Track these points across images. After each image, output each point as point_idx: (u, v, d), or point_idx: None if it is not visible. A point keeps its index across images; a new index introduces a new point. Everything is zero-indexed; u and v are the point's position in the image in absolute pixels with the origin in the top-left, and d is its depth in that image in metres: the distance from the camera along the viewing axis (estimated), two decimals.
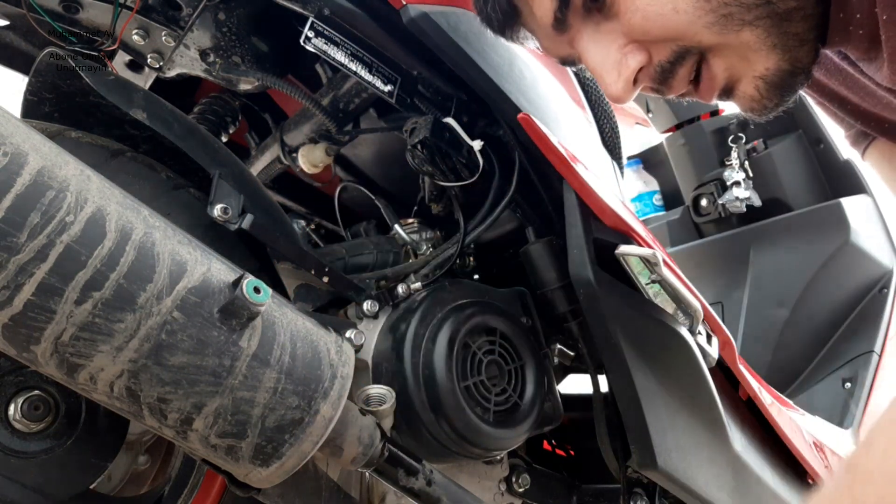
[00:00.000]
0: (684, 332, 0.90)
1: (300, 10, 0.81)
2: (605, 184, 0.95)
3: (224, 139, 1.13)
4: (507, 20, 0.68)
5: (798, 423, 1.17)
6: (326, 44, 0.81)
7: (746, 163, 2.13)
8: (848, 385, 1.72)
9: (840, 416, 1.62)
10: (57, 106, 0.75)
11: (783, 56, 0.59)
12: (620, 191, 1.34)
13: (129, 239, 0.52)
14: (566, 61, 0.71)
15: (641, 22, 0.59)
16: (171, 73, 0.95)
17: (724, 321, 2.06)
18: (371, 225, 1.22)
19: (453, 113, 0.92)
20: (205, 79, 0.96)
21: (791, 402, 1.37)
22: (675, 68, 0.62)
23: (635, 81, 0.64)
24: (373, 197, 1.14)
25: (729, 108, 2.33)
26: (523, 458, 1.07)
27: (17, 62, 1.00)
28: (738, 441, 1.00)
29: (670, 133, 2.49)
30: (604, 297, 0.81)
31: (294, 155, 1.05)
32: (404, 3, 0.77)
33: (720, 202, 2.15)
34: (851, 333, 1.81)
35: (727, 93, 0.64)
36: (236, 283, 0.55)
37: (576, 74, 1.22)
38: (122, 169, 0.74)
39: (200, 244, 0.59)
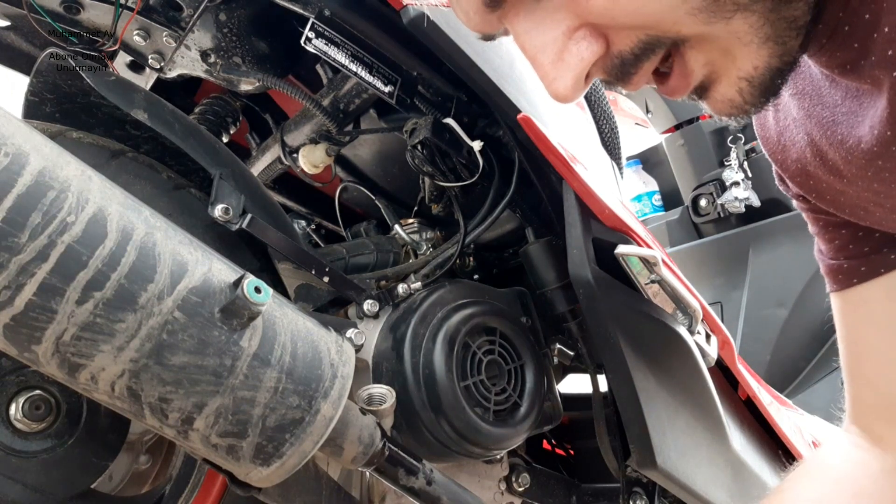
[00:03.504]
0: (683, 331, 0.90)
1: (301, 11, 0.82)
2: (604, 184, 0.95)
3: (225, 140, 1.13)
4: None
5: (797, 423, 1.18)
6: (327, 45, 0.81)
7: (745, 163, 2.13)
8: None
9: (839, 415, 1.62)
10: (58, 106, 0.75)
11: (775, 51, 0.47)
12: (620, 191, 1.34)
13: (131, 239, 0.52)
14: (488, 38, 0.56)
15: (606, 5, 0.45)
16: (172, 74, 0.96)
17: (723, 321, 2.06)
18: (371, 225, 1.23)
19: (453, 113, 0.93)
20: (205, 79, 0.96)
21: (790, 401, 1.37)
22: (640, 62, 0.48)
23: (587, 76, 0.50)
24: (373, 197, 1.14)
25: None
26: (523, 457, 1.07)
27: (19, 62, 1.00)
28: (737, 440, 1.01)
29: (669, 133, 2.49)
30: (603, 296, 0.81)
31: (295, 155, 1.06)
32: (405, 3, 0.77)
33: (719, 202, 2.16)
34: None
35: (700, 92, 0.51)
36: (237, 283, 0.56)
37: None
38: (124, 169, 0.74)
39: (201, 244, 0.60)
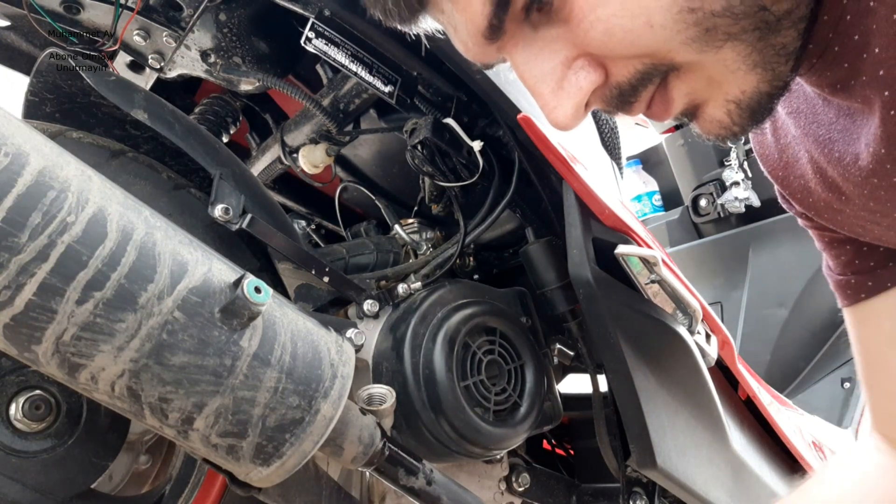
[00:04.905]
0: (683, 331, 0.90)
1: (301, 11, 0.82)
2: (604, 184, 0.95)
3: (225, 139, 1.13)
4: (412, 13, 0.53)
5: (797, 423, 1.18)
6: (327, 45, 0.81)
7: (745, 163, 2.13)
8: (847, 385, 1.72)
9: (839, 415, 1.62)
10: (58, 106, 0.75)
11: (764, 76, 0.48)
12: (620, 191, 1.34)
13: (131, 239, 0.52)
14: (487, 67, 0.57)
15: (602, 37, 0.46)
16: (172, 74, 0.96)
17: (723, 321, 2.06)
18: (371, 225, 1.23)
19: (453, 113, 0.93)
20: (205, 79, 0.96)
21: (790, 401, 1.38)
22: (638, 92, 0.50)
23: (586, 105, 0.50)
24: (373, 197, 1.14)
25: None
26: (523, 457, 1.07)
27: (19, 62, 1.00)
28: (737, 440, 1.01)
29: (669, 133, 2.49)
30: (603, 296, 0.81)
31: (295, 155, 1.06)
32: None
33: (719, 202, 2.16)
34: None
35: (689, 115, 0.52)
36: (237, 283, 0.56)
37: None
38: (124, 169, 0.74)
39: (201, 244, 0.60)
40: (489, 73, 0.83)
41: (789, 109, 0.67)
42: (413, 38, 0.62)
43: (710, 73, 0.48)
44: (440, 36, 0.59)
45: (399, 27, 0.56)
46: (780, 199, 0.79)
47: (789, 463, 1.14)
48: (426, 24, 0.55)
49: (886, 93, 0.50)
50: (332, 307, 0.91)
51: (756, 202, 2.10)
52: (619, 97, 0.50)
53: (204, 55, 0.91)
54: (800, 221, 0.80)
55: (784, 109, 0.67)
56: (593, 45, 0.48)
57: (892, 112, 0.50)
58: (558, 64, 0.49)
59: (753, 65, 0.47)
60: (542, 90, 0.51)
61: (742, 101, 0.49)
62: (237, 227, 0.74)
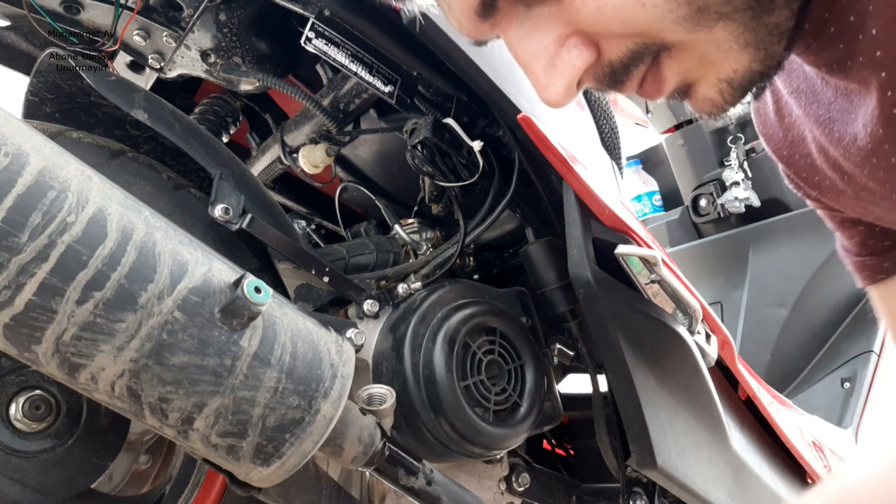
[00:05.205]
0: (683, 331, 0.90)
1: (301, 11, 0.82)
2: (604, 184, 0.95)
3: (225, 139, 1.13)
4: None
5: (797, 423, 1.18)
6: (327, 45, 0.81)
7: (745, 163, 2.13)
8: (847, 385, 1.72)
9: (839, 415, 1.62)
10: (58, 106, 0.75)
11: (756, 56, 0.48)
12: (620, 191, 1.34)
13: (131, 239, 0.52)
14: (480, 44, 0.57)
15: (595, 15, 0.47)
16: (172, 74, 0.96)
17: (723, 321, 2.06)
18: (371, 225, 1.23)
19: (453, 113, 0.93)
20: (205, 79, 0.96)
21: (790, 401, 1.37)
22: (630, 70, 0.50)
23: (578, 83, 0.51)
24: (373, 197, 1.14)
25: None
26: (523, 457, 1.07)
27: (19, 62, 1.00)
28: (737, 440, 1.01)
29: (669, 133, 2.49)
30: (603, 296, 0.81)
31: (295, 155, 1.06)
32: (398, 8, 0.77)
33: (719, 202, 2.16)
34: (850, 333, 1.81)
35: (682, 93, 0.53)
36: (237, 283, 0.56)
37: None
38: (124, 169, 0.74)
39: (201, 244, 0.60)
40: (489, 72, 0.83)
41: (791, 89, 0.66)
42: (409, 15, 0.62)
43: (701, 52, 0.48)
44: (434, 12, 0.58)
45: (394, 3, 0.56)
46: (787, 182, 0.79)
47: (789, 463, 1.14)
48: (421, 0, 0.55)
49: (883, 73, 0.50)
50: (332, 307, 0.91)
51: (756, 202, 2.10)
52: (610, 76, 0.50)
53: (204, 55, 0.91)
54: (809, 203, 0.80)
55: (786, 89, 0.67)
56: (585, 22, 0.48)
57: (889, 93, 0.50)
58: (551, 42, 0.49)
59: (745, 44, 0.47)
60: (534, 68, 0.51)
61: (734, 80, 0.49)
62: (237, 227, 0.74)
